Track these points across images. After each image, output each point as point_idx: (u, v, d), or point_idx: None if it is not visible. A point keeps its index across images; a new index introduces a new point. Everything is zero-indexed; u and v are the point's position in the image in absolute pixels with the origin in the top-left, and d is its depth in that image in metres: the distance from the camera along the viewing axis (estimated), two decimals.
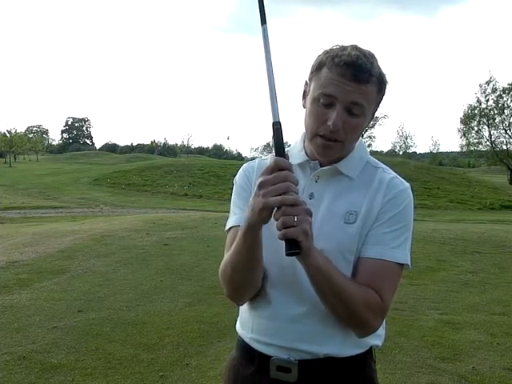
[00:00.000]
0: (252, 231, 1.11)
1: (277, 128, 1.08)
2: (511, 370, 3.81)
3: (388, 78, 1.21)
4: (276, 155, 1.08)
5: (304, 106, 1.25)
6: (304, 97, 1.26)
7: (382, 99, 1.23)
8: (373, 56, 1.18)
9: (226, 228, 1.33)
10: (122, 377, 3.54)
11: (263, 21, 1.11)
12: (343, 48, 1.18)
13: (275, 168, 1.05)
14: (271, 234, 1.09)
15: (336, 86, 1.15)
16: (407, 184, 1.28)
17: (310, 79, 1.23)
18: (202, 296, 5.60)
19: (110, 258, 7.62)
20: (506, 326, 4.85)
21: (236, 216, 1.30)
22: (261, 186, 1.06)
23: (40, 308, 5.03)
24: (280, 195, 1.03)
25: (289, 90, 1.30)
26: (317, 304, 1.19)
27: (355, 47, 1.18)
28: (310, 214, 1.06)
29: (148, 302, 5.33)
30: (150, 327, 4.56)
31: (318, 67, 1.20)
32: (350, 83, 1.14)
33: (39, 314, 4.83)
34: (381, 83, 1.19)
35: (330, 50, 1.19)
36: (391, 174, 1.28)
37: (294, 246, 1.04)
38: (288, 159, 1.07)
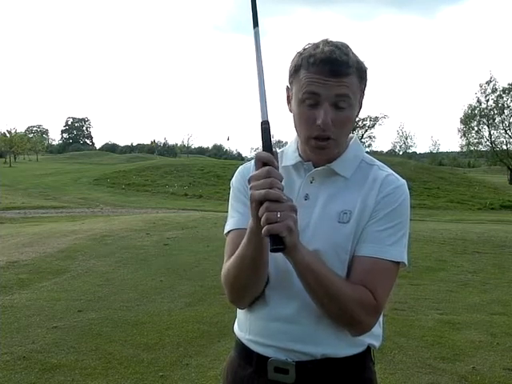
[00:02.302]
0: (254, 233, 1.10)
1: (265, 127, 1.09)
2: (511, 370, 3.81)
3: (381, 71, 1.26)
4: None
5: (290, 111, 1.25)
6: (288, 101, 1.26)
7: (365, 86, 1.23)
8: (346, 46, 1.18)
9: (225, 232, 1.32)
10: (122, 377, 3.54)
11: (255, 24, 1.13)
12: (315, 46, 1.18)
13: (258, 162, 1.07)
14: None
15: (317, 83, 1.15)
16: (403, 181, 1.26)
17: (291, 83, 1.23)
18: (202, 296, 5.60)
19: (109, 257, 7.62)
20: (506, 326, 4.85)
21: (234, 219, 1.30)
22: (249, 181, 1.07)
23: (40, 308, 5.03)
24: (264, 190, 1.03)
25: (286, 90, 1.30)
26: (312, 304, 1.19)
27: (326, 42, 1.18)
28: (295, 211, 1.06)
29: (148, 302, 5.33)
30: (150, 327, 4.55)
31: (295, 70, 1.20)
32: (329, 79, 1.14)
33: (39, 314, 4.83)
34: (360, 71, 1.18)
35: (303, 50, 1.19)
36: (386, 171, 1.27)
37: (277, 242, 1.03)
38: (276, 158, 1.08)
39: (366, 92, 1.24)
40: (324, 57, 1.14)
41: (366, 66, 1.21)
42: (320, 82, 1.14)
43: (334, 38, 1.20)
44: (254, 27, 1.12)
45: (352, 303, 1.15)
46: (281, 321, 1.23)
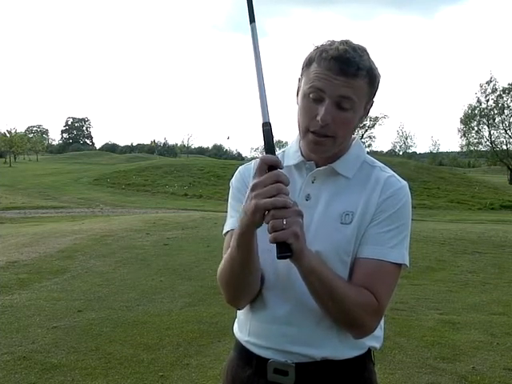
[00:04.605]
0: (246, 235, 1.10)
1: (266, 129, 1.08)
2: (511, 370, 3.81)
3: (381, 71, 1.20)
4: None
5: (298, 103, 1.24)
6: (298, 94, 1.25)
7: (375, 93, 1.22)
8: (363, 50, 1.17)
9: (224, 231, 1.32)
10: (122, 377, 3.54)
11: (252, 19, 1.11)
12: (332, 43, 1.17)
13: (264, 166, 1.05)
14: (266, 237, 1.07)
15: (324, 80, 1.14)
16: (404, 182, 1.26)
17: (302, 75, 1.23)
18: (202, 296, 5.60)
19: (110, 258, 7.62)
20: (506, 325, 4.85)
21: (233, 219, 1.29)
22: (253, 188, 1.05)
23: (40, 308, 5.03)
24: (271, 197, 1.02)
25: (290, 90, 1.30)
26: (313, 306, 1.18)
27: (345, 42, 1.17)
28: (301, 216, 1.05)
29: (148, 302, 5.33)
30: (150, 327, 4.56)
31: (308, 63, 1.20)
32: (337, 77, 1.13)
33: (39, 314, 4.83)
34: (371, 77, 1.17)
35: (320, 45, 1.19)
36: (388, 172, 1.27)
37: (284, 249, 1.03)
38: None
39: (374, 99, 1.23)
40: (336, 54, 1.13)
41: (380, 73, 1.20)
42: (327, 78, 1.14)
43: (337, 39, 1.19)
44: (251, 22, 1.11)
45: (355, 306, 1.15)
46: (279, 323, 1.23)
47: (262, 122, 1.09)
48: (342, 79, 1.14)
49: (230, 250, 1.17)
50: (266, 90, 1.09)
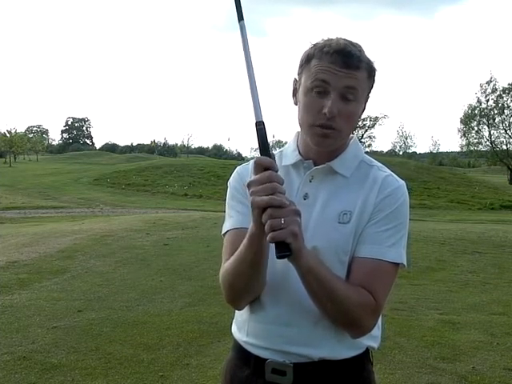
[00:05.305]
0: (256, 237, 1.09)
1: (260, 128, 1.08)
2: (511, 370, 3.81)
3: (381, 71, 1.24)
4: (261, 155, 1.07)
5: (295, 103, 1.25)
6: (294, 94, 1.26)
7: (372, 86, 1.24)
8: (360, 45, 1.20)
9: (223, 232, 1.31)
10: (122, 377, 3.54)
11: (240, 17, 1.11)
12: (330, 39, 1.20)
13: (259, 168, 1.05)
14: None
15: (328, 72, 1.16)
16: (402, 181, 1.26)
17: (300, 73, 1.23)
18: (202, 296, 5.60)
19: (110, 258, 7.62)
20: (506, 325, 4.85)
21: (232, 219, 1.29)
22: (248, 185, 1.06)
23: (40, 308, 5.03)
24: (267, 195, 1.02)
25: (290, 90, 1.29)
26: (310, 307, 1.18)
27: (342, 38, 1.20)
28: (299, 215, 1.05)
29: (148, 302, 5.33)
30: (150, 327, 4.56)
31: (306, 60, 1.21)
32: (341, 69, 1.15)
33: (39, 314, 4.83)
34: (370, 69, 1.21)
35: (317, 42, 1.20)
36: (386, 171, 1.27)
37: (283, 249, 1.03)
38: (273, 158, 1.06)
39: (370, 94, 1.25)
40: (338, 48, 1.16)
41: (376, 67, 1.22)
42: (331, 71, 1.15)
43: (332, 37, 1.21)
44: (239, 21, 1.11)
45: (353, 305, 1.15)
46: (277, 323, 1.23)
47: (255, 122, 1.08)
48: (346, 71, 1.15)
49: (239, 250, 1.16)
50: (257, 88, 1.08)
